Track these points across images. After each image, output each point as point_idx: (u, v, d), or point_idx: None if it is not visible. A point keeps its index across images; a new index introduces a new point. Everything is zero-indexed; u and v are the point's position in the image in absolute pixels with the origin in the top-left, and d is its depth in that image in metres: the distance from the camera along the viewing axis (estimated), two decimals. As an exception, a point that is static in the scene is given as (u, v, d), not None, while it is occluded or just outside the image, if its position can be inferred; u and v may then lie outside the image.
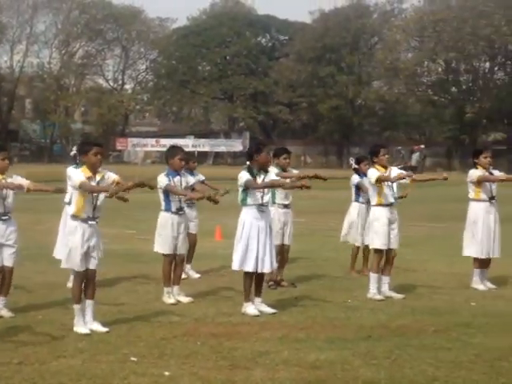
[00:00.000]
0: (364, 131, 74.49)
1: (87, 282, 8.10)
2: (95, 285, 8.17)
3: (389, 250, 10.01)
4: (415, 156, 45.32)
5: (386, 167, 10.06)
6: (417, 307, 9.34)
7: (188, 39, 75.41)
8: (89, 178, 7.97)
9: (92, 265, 8.07)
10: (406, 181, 10.01)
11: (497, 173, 10.73)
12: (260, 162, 8.94)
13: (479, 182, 10.60)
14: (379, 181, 9.85)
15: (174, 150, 9.71)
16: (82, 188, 7.92)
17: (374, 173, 9.95)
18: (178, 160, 9.52)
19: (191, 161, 11.15)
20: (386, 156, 10.10)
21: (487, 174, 10.58)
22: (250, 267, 8.86)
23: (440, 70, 67.15)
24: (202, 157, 67.98)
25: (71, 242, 8.03)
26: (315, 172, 10.03)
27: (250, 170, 8.92)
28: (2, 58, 75.99)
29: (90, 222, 8.01)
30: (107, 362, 6.86)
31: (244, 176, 8.86)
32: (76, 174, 8.06)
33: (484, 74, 66.79)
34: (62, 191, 8.97)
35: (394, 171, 10.07)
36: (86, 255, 8.02)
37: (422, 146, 47.31)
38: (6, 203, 8.49)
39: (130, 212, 19.79)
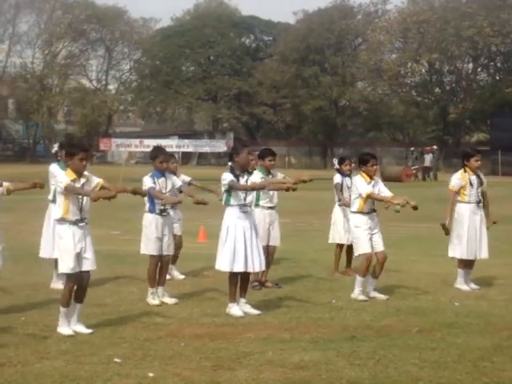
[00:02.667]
0: (348, 132, 74.67)
1: (80, 286, 7.98)
2: (87, 288, 8.07)
3: (377, 253, 9.97)
4: (428, 157, 45.88)
5: (371, 177, 10.02)
6: (401, 307, 9.36)
7: (172, 39, 75.27)
8: (73, 181, 7.88)
9: (86, 266, 7.95)
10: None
11: (482, 177, 10.81)
12: (240, 164, 8.94)
13: (462, 186, 10.68)
14: (369, 197, 9.83)
15: (154, 152, 9.67)
16: (67, 190, 7.82)
17: (364, 186, 9.85)
18: (158, 163, 9.53)
19: (170, 161, 10.26)
20: (375, 167, 10.03)
21: (459, 185, 10.67)
22: (239, 267, 8.84)
23: (423, 70, 67.38)
24: (185, 157, 67.99)
25: (62, 245, 7.91)
26: (298, 178, 10.01)
27: (232, 171, 8.93)
28: (-16, 58, 75.66)
29: (80, 225, 7.93)
30: (91, 363, 6.83)
31: (227, 177, 8.87)
32: (61, 176, 7.99)
33: (467, 75, 67.08)
34: (41, 186, 8.78)
35: (378, 183, 10.03)
36: (79, 257, 7.91)
37: (435, 147, 47.78)
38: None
39: (115, 212, 19.72)
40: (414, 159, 48.64)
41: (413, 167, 46.03)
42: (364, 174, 9.98)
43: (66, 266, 7.90)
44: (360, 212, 9.94)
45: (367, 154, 10.24)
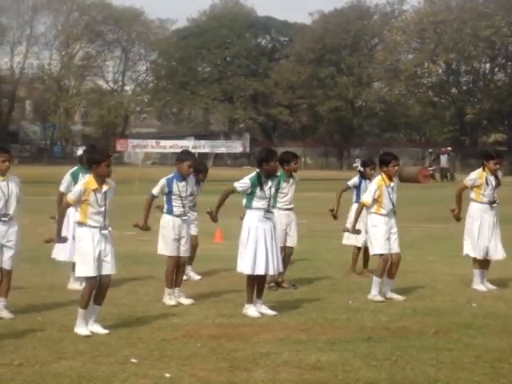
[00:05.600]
0: (364, 132, 74.57)
1: (100, 289, 8.01)
2: (106, 292, 8.09)
3: (392, 254, 9.95)
4: (444, 158, 46.54)
5: (391, 178, 10.02)
6: (418, 308, 9.33)
7: (188, 40, 75.42)
8: (95, 190, 7.92)
9: (106, 270, 7.97)
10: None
11: (499, 176, 10.76)
12: (268, 171, 8.93)
13: (478, 186, 10.64)
14: (363, 205, 10.01)
15: (184, 155, 9.70)
16: (64, 204, 8.22)
17: (368, 193, 10.01)
18: (186, 166, 9.53)
19: (201, 174, 11.13)
20: (396, 168, 10.03)
21: (469, 184, 10.69)
22: (260, 271, 8.85)
23: (440, 71, 67.18)
24: (202, 158, 68.07)
25: (81, 248, 7.95)
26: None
27: (258, 177, 8.90)
28: (2, 59, 76.13)
29: (102, 232, 7.95)
30: (108, 363, 6.85)
31: (244, 183, 8.86)
32: (76, 188, 8.14)
33: (484, 75, 66.84)
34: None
35: (394, 188, 10.03)
36: (99, 260, 7.92)
37: (449, 149, 48.46)
38: (8, 204, 8.48)
39: (131, 213, 19.72)
40: (431, 160, 49.24)
41: (430, 168, 46.67)
42: (384, 176, 9.96)
43: (85, 269, 7.93)
44: (378, 213, 9.92)
45: (388, 155, 10.22)
